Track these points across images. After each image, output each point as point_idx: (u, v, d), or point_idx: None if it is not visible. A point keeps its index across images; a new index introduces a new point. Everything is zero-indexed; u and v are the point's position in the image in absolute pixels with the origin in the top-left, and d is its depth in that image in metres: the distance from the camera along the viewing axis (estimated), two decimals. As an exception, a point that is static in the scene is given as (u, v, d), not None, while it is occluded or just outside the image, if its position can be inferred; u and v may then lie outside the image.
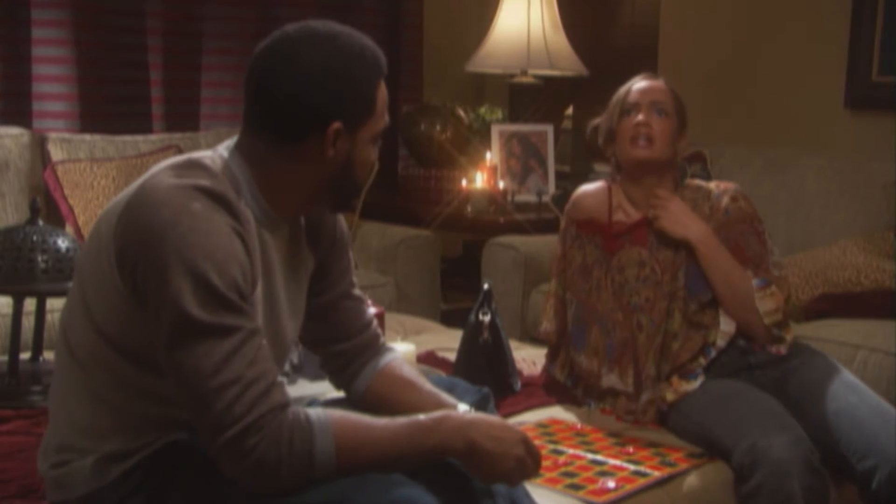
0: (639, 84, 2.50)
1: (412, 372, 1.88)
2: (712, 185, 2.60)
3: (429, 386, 1.83)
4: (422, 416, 1.57)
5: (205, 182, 1.53)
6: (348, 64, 1.58)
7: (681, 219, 2.44)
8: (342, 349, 1.85)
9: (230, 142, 1.67)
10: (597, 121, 2.60)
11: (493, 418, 1.63)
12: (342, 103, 1.58)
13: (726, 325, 2.41)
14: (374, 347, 1.88)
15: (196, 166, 1.57)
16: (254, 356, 1.47)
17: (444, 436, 1.55)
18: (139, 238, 1.48)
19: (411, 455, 1.55)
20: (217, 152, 1.64)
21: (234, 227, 1.52)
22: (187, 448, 1.61)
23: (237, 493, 1.53)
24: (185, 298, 1.43)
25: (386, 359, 1.87)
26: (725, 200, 2.51)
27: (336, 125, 1.58)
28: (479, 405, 1.83)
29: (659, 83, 2.51)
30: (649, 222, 2.47)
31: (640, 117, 2.44)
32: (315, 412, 1.51)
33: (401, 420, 1.56)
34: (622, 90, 2.51)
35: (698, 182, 2.59)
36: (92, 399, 1.61)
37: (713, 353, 2.40)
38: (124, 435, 1.60)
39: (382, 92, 1.64)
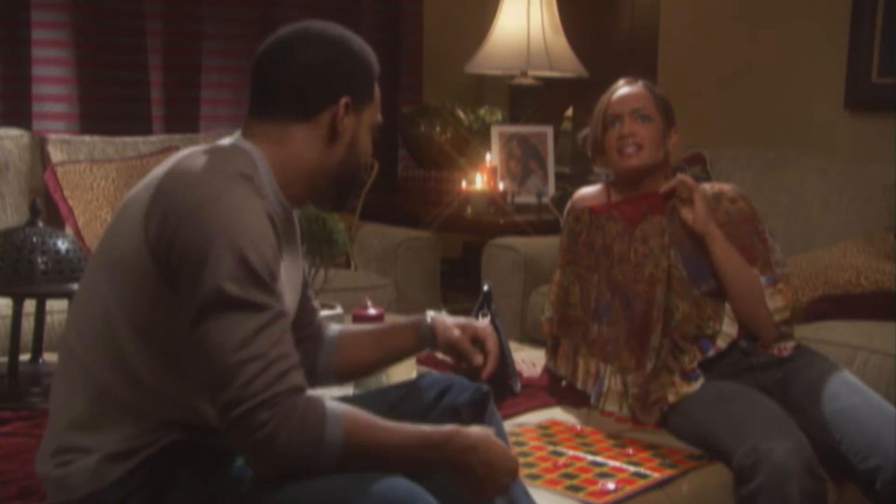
0: (617, 93, 2.51)
1: (363, 327, 2.01)
2: (707, 186, 2.60)
3: (386, 327, 2.01)
4: (429, 429, 1.57)
5: (236, 165, 1.57)
6: (353, 48, 1.70)
7: (707, 212, 2.45)
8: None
9: (235, 134, 1.69)
10: (586, 130, 2.61)
11: (496, 444, 1.63)
12: (352, 78, 1.68)
13: (729, 328, 2.42)
14: (320, 331, 1.95)
15: (222, 151, 1.61)
16: (279, 337, 1.48)
17: (447, 456, 1.57)
18: (179, 217, 1.49)
19: (412, 465, 1.56)
20: (227, 142, 1.67)
21: (266, 210, 1.55)
22: (188, 447, 1.61)
23: (237, 493, 1.53)
24: (223, 273, 1.45)
25: (335, 328, 1.96)
26: (725, 202, 2.51)
27: (346, 99, 1.66)
28: (479, 405, 1.84)
29: (637, 88, 2.51)
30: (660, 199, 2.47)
31: (624, 128, 2.45)
32: (330, 403, 1.52)
33: (410, 429, 1.57)
34: (603, 100, 2.53)
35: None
36: (98, 397, 1.61)
37: (711, 352, 2.40)
38: (129, 433, 1.60)
39: (377, 89, 1.74)
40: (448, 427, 1.60)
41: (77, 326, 1.64)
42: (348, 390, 2.28)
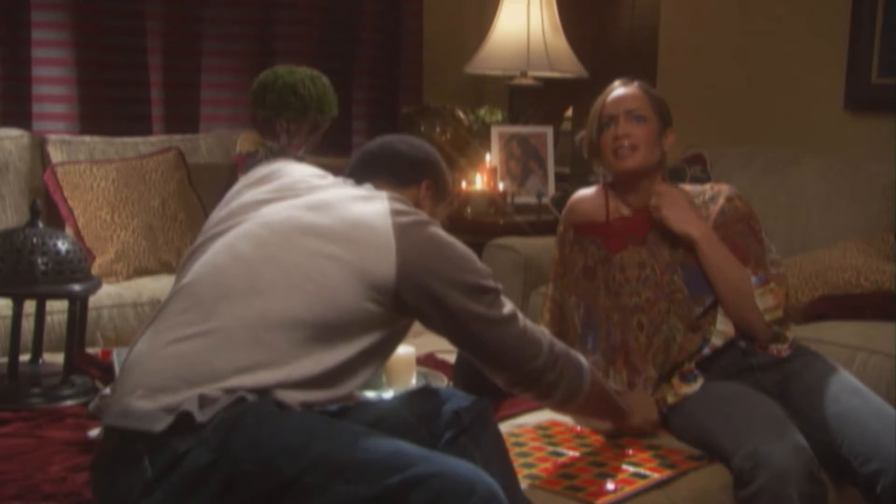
0: (612, 95, 2.51)
1: None
2: (706, 187, 2.60)
3: None
4: (618, 400, 2.23)
5: None
6: (438, 156, 2.14)
7: (683, 214, 2.45)
8: None
9: (353, 182, 1.98)
10: (583, 132, 2.60)
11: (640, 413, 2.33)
12: (434, 171, 2.09)
13: (723, 325, 2.42)
14: None
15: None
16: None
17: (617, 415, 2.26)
18: (428, 254, 1.83)
19: (606, 414, 2.25)
20: (367, 190, 1.94)
21: None
22: (254, 405, 1.67)
23: (302, 448, 1.60)
24: (484, 277, 1.87)
25: None
26: (721, 201, 2.51)
27: (428, 182, 2.06)
28: (481, 415, 1.84)
29: (632, 90, 2.51)
30: (650, 218, 2.47)
31: (619, 129, 2.45)
32: (581, 359, 2.01)
33: (611, 394, 2.20)
34: (598, 102, 2.52)
35: (690, 186, 2.60)
36: (223, 345, 1.71)
37: (707, 349, 2.40)
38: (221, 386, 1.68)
39: (448, 206, 2.14)
40: (624, 403, 2.25)
41: (264, 292, 1.75)
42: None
